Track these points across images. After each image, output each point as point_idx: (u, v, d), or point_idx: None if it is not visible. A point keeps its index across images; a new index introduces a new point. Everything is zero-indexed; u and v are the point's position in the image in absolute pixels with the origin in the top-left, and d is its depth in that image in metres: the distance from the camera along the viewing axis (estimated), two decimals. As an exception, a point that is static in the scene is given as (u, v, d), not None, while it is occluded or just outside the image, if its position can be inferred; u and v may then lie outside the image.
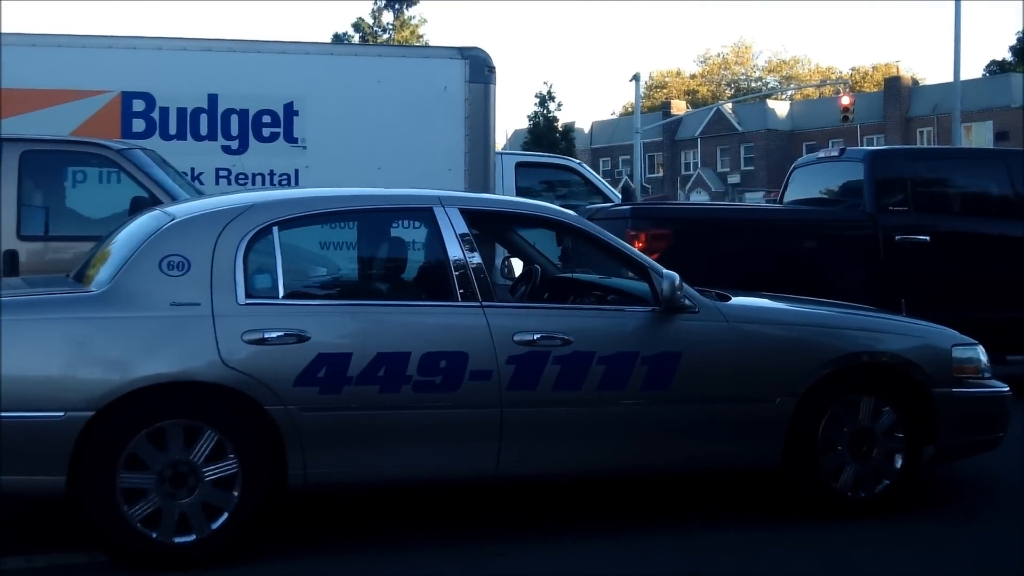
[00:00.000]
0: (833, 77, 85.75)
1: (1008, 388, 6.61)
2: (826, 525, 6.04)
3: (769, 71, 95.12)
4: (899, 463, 6.25)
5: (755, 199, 55.20)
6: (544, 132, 58.96)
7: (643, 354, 5.79)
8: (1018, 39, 71.79)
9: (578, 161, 15.70)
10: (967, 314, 8.85)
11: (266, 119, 11.13)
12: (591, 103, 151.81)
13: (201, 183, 10.38)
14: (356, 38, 62.19)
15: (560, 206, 6.90)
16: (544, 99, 60.67)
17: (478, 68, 11.46)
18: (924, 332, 6.55)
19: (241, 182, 10.93)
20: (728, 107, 75.43)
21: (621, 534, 5.87)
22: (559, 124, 61.66)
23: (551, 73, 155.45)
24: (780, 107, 76.26)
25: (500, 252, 8.07)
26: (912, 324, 6.68)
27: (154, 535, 5.13)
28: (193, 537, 5.18)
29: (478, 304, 5.64)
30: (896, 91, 67.38)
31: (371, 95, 11.29)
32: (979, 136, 59.44)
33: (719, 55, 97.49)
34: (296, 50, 11.74)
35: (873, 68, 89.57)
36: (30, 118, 10.19)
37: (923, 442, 6.32)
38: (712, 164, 76.50)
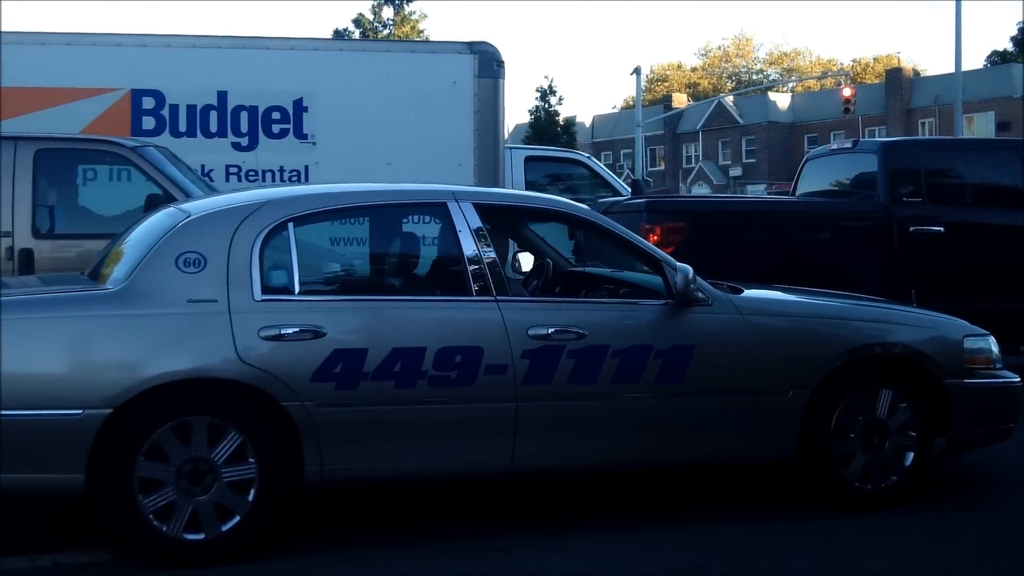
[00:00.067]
0: (834, 69, 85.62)
1: (1019, 379, 6.62)
2: (829, 517, 6.06)
3: (770, 63, 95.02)
4: (912, 455, 6.27)
5: (757, 191, 55.16)
6: (545, 126, 59.05)
7: (657, 347, 5.81)
8: (1019, 29, 71.60)
9: (587, 155, 15.72)
10: (981, 304, 8.88)
11: (276, 115, 11.11)
12: (592, 97, 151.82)
13: (211, 180, 10.39)
14: (356, 34, 62.30)
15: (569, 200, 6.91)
16: (545, 93, 60.77)
17: (487, 62, 11.45)
18: (936, 323, 6.57)
19: (251, 179, 10.94)
20: (729, 100, 75.38)
21: (623, 528, 5.88)
22: (560, 118, 61.74)
23: (552, 67, 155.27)
24: (781, 99, 76.17)
25: (510, 247, 8.06)
26: (924, 315, 6.70)
27: (173, 532, 5.14)
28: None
29: (493, 299, 5.66)
30: (897, 82, 67.30)
31: (380, 90, 11.27)
32: (981, 127, 59.37)
33: (720, 48, 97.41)
34: (305, 46, 11.74)
35: (874, 60, 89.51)
36: (40, 116, 10.20)
37: (935, 433, 6.34)
38: (714, 157, 76.44)
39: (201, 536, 5.19)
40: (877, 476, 6.21)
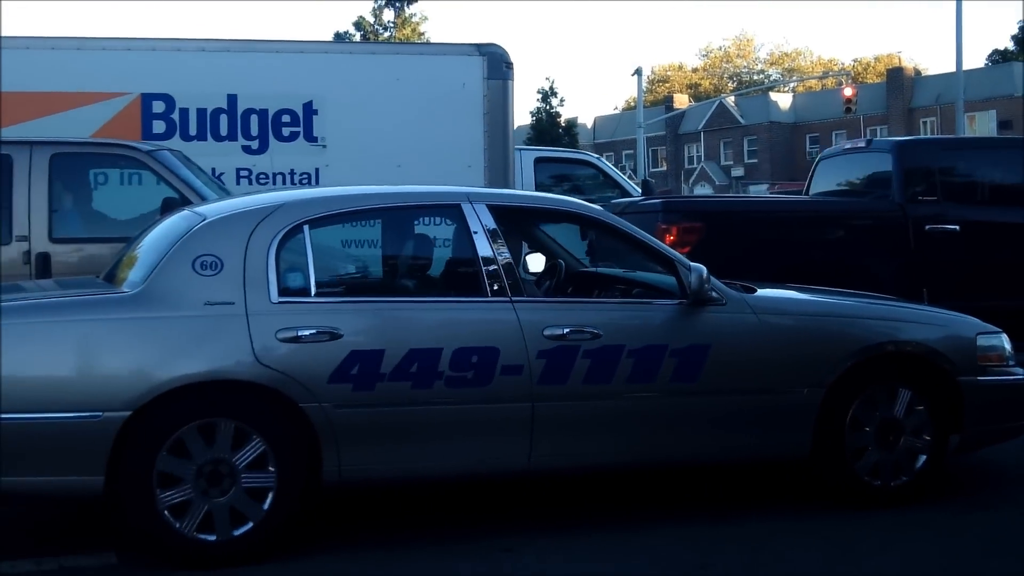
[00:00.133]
0: (835, 69, 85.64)
1: None
2: (833, 515, 6.07)
3: (771, 64, 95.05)
4: (926, 452, 6.28)
5: (759, 192, 55.18)
6: (547, 128, 59.12)
7: (672, 347, 5.83)
8: (1020, 28, 71.71)
9: (597, 156, 15.73)
10: (997, 302, 8.90)
11: (286, 119, 11.14)
12: (593, 98, 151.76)
13: (222, 183, 10.42)
14: (357, 37, 62.40)
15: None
16: (546, 95, 60.87)
17: (496, 64, 11.47)
18: (949, 321, 6.58)
19: (262, 182, 10.97)
20: (731, 100, 75.41)
21: (628, 528, 5.89)
22: (562, 120, 61.79)
23: (553, 69, 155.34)
24: (783, 99, 76.20)
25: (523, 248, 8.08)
26: (937, 313, 6.71)
27: (187, 531, 5.16)
28: (249, 526, 5.24)
29: (508, 299, 5.68)
30: (899, 82, 67.33)
31: (390, 93, 11.29)
32: (982, 126, 59.39)
33: (721, 48, 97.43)
34: (315, 49, 11.78)
35: (875, 59, 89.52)
36: (50, 121, 10.22)
37: (949, 431, 6.35)
38: (715, 157, 76.47)
39: (246, 528, 5.23)
40: (892, 473, 6.22)
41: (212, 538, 5.18)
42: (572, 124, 65.14)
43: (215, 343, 5.25)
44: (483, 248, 5.76)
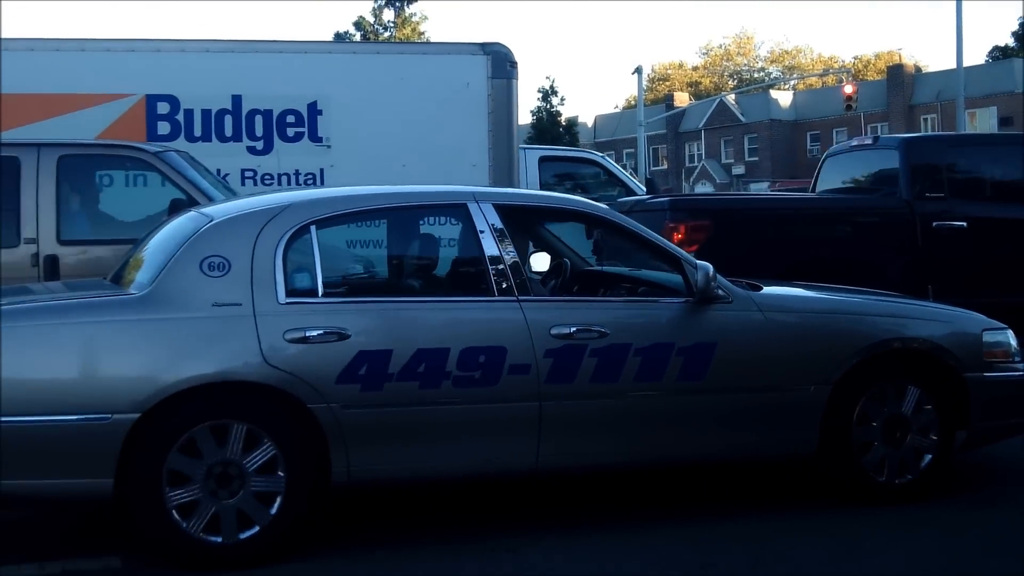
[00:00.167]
0: (836, 66, 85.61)
1: None
2: (836, 513, 6.07)
3: (771, 61, 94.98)
4: (932, 449, 6.29)
5: (760, 189, 55.19)
6: (547, 127, 59.10)
7: (679, 345, 5.83)
8: (1020, 24, 71.74)
9: (601, 154, 15.74)
10: (1005, 298, 8.91)
11: (290, 119, 11.17)
12: (594, 97, 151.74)
13: (228, 184, 10.43)
14: (357, 37, 62.36)
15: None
16: (547, 94, 60.85)
17: (500, 63, 11.48)
18: (954, 317, 6.59)
19: (267, 182, 10.98)
20: (731, 98, 75.35)
21: (631, 528, 5.88)
22: (562, 118, 61.77)
23: (553, 68, 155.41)
24: (783, 97, 76.18)
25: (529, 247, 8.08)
26: (942, 310, 6.72)
27: (208, 537, 5.17)
28: (255, 530, 5.24)
29: (515, 299, 5.69)
30: (899, 79, 67.29)
31: (394, 93, 11.31)
32: (983, 122, 59.39)
33: (721, 46, 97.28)
34: (319, 49, 11.81)
35: (875, 56, 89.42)
36: (55, 123, 10.25)
37: (955, 427, 6.36)
38: (716, 155, 76.44)
39: (251, 532, 5.24)
40: (898, 470, 6.23)
41: (218, 539, 5.18)
42: (572, 123, 65.12)
43: (223, 344, 5.26)
44: (490, 247, 5.76)
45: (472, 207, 5.88)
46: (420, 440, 5.50)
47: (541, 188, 13.29)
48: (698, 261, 6.00)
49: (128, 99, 10.82)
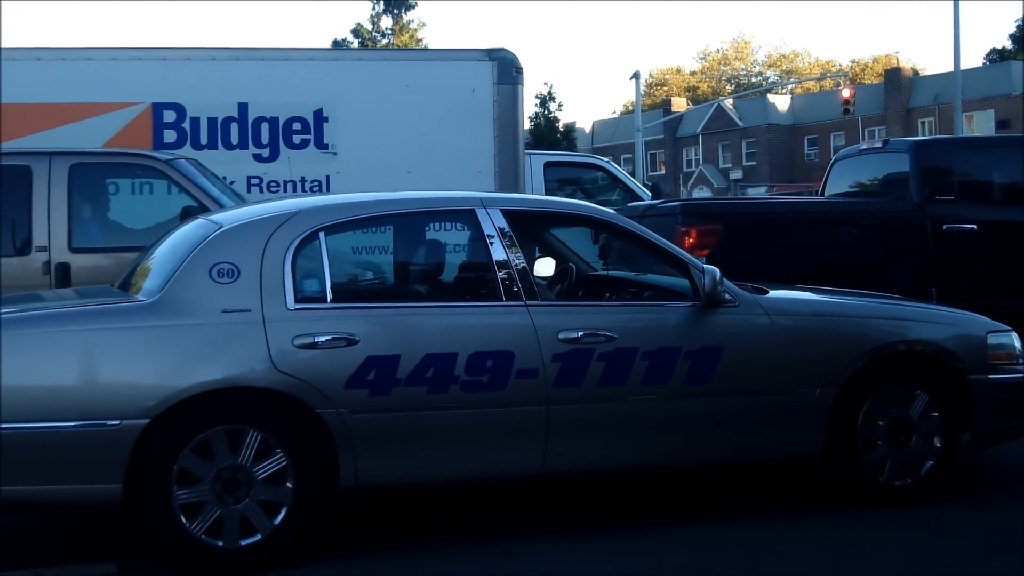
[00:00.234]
0: (833, 70, 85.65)
1: None
2: (835, 515, 6.08)
3: (769, 66, 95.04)
4: (937, 451, 6.31)
5: (758, 194, 55.20)
6: (545, 132, 59.06)
7: (685, 349, 5.86)
8: (1018, 27, 71.72)
9: (607, 159, 15.77)
10: (1016, 301, 8.93)
11: (296, 126, 11.20)
12: (592, 102, 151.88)
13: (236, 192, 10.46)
14: (355, 44, 62.24)
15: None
16: (544, 100, 60.79)
17: (506, 69, 11.52)
18: (959, 320, 6.62)
19: (273, 189, 10.99)
20: (729, 103, 75.41)
21: (627, 530, 5.90)
22: (560, 124, 61.75)
23: (551, 74, 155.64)
24: (781, 101, 76.20)
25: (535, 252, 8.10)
26: (946, 312, 6.76)
27: (209, 539, 5.18)
28: (256, 538, 5.25)
29: (522, 303, 5.71)
30: (896, 82, 67.32)
31: (400, 99, 11.34)
32: (980, 125, 59.37)
33: (718, 51, 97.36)
34: (324, 57, 11.86)
35: (873, 60, 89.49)
36: (61, 132, 10.29)
37: (960, 429, 6.39)
38: (714, 160, 76.49)
39: (257, 537, 5.25)
40: (904, 472, 6.26)
41: (219, 543, 5.19)
42: (570, 129, 65.09)
43: (232, 350, 5.28)
44: (497, 252, 5.79)
45: (480, 212, 5.90)
46: (428, 444, 5.53)
47: (546, 193, 13.31)
48: (705, 265, 6.04)
49: (134, 108, 10.86)
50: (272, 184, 11.04)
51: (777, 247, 9.66)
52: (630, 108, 71.20)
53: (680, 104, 77.58)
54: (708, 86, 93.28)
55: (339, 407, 5.32)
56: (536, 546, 5.66)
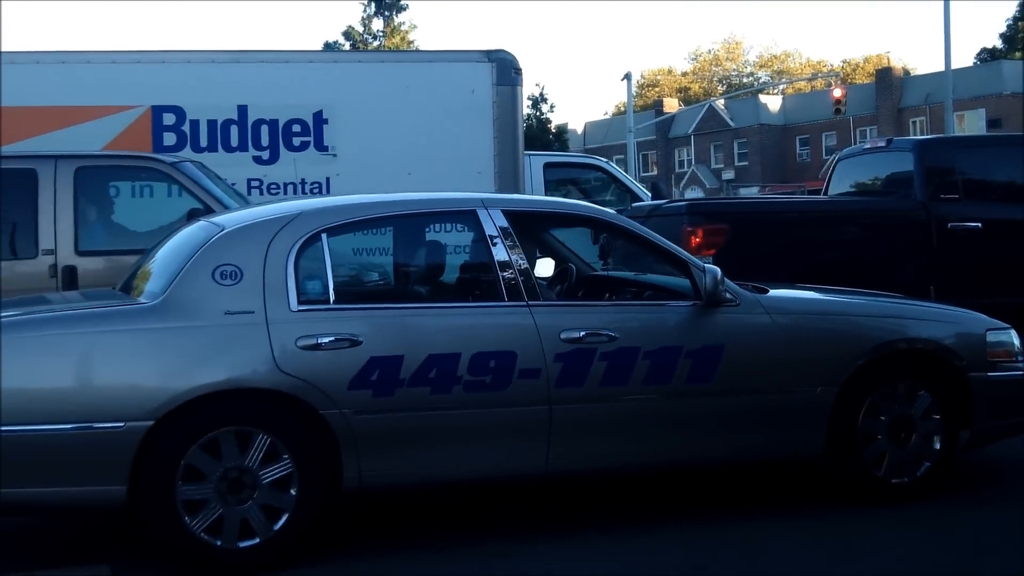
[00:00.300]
0: (824, 70, 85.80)
1: None
2: (827, 515, 6.08)
3: (760, 66, 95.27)
4: (937, 448, 6.33)
5: (750, 194, 55.27)
6: (537, 134, 59.14)
7: (687, 348, 5.87)
8: (1008, 26, 71.99)
9: (606, 160, 15.81)
10: (1021, 299, 8.95)
11: (296, 128, 11.22)
12: (583, 104, 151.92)
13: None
14: (347, 46, 62.17)
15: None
16: (536, 101, 60.94)
17: (505, 70, 11.54)
18: (958, 318, 6.64)
19: (273, 192, 11.01)
20: (720, 103, 75.52)
21: (625, 531, 5.90)
22: (552, 126, 61.83)
23: (542, 75, 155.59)
24: (772, 102, 76.34)
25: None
26: (946, 310, 6.78)
27: (218, 543, 5.20)
28: (255, 542, 5.25)
29: (524, 304, 5.72)
30: (887, 82, 67.47)
31: (400, 101, 11.36)
32: (971, 124, 59.53)
33: (710, 52, 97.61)
34: (324, 59, 11.91)
35: (864, 60, 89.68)
36: (61, 135, 10.29)
37: (960, 426, 6.41)
38: (706, 161, 76.60)
39: (256, 540, 5.26)
40: (903, 470, 6.27)
41: (217, 543, 5.20)
42: (562, 130, 65.21)
43: (236, 352, 5.29)
44: (499, 253, 5.81)
45: (481, 213, 5.91)
46: (431, 445, 5.54)
47: (546, 194, 13.33)
48: (706, 265, 6.06)
49: (134, 110, 10.87)
50: (272, 186, 11.06)
51: (783, 246, 9.70)
52: (622, 109, 71.27)
53: (672, 105, 77.69)
54: (700, 87, 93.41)
55: (343, 408, 5.32)
56: (532, 545, 5.67)
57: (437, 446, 5.55)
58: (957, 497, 6.42)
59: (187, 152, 10.61)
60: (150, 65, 11.07)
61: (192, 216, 7.66)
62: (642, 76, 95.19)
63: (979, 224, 10.18)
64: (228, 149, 11.02)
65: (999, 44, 71.63)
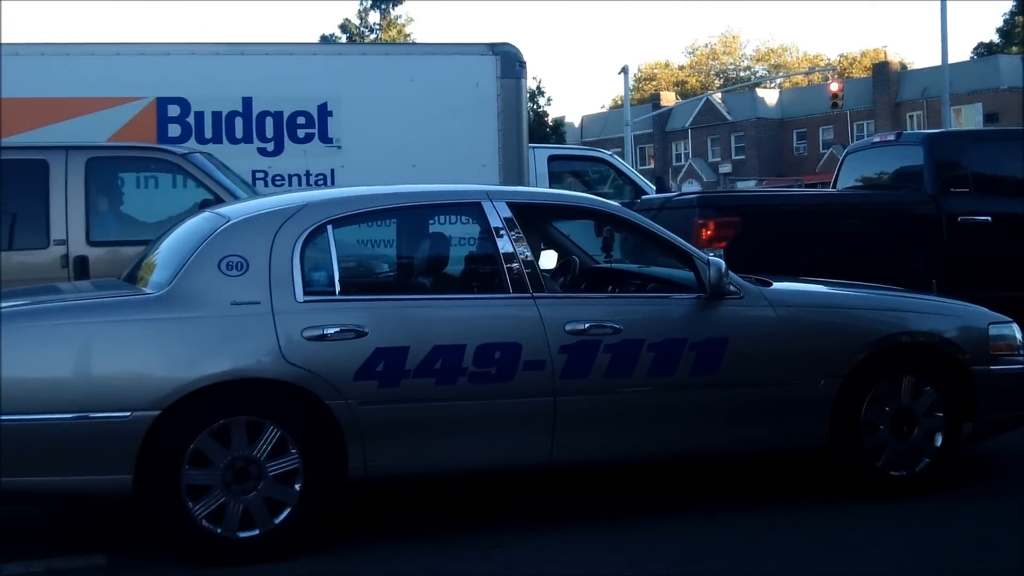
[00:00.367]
0: (821, 64, 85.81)
1: None
2: (826, 507, 6.10)
3: (757, 60, 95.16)
4: (940, 441, 6.35)
5: (747, 187, 55.32)
6: (534, 127, 59.04)
7: (691, 340, 5.89)
8: (1005, 20, 72.04)
9: (610, 153, 15.84)
10: None
11: (300, 120, 11.22)
12: (580, 97, 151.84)
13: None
14: (343, 39, 62.13)
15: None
16: (533, 94, 60.81)
17: (509, 63, 11.55)
18: (961, 311, 6.66)
19: (278, 183, 11.02)
20: (717, 97, 75.49)
21: (621, 523, 5.90)
22: (549, 119, 61.80)
23: (539, 68, 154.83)
24: (769, 95, 76.36)
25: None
26: (948, 304, 6.79)
27: (219, 530, 5.21)
28: (257, 532, 5.28)
29: (529, 295, 5.74)
30: (884, 76, 67.48)
31: (404, 93, 11.37)
32: (968, 119, 59.48)
33: (707, 45, 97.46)
34: (328, 51, 11.93)
35: (861, 54, 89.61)
36: (66, 126, 10.29)
37: (962, 419, 6.43)
38: (703, 154, 76.59)
39: (256, 532, 5.27)
40: (907, 462, 6.29)
41: (218, 530, 5.22)
42: (559, 123, 65.17)
43: (242, 342, 5.30)
44: (504, 245, 5.82)
45: (487, 205, 5.93)
46: (436, 436, 5.55)
47: (551, 186, 13.34)
48: (710, 257, 6.08)
49: (139, 102, 10.87)
50: (277, 178, 11.07)
51: (793, 239, 9.71)
52: (619, 102, 71.23)
53: (669, 98, 77.69)
54: (697, 80, 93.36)
55: (348, 398, 5.34)
56: (529, 538, 5.67)
57: (442, 437, 5.56)
58: (959, 490, 6.42)
59: (191, 144, 10.58)
60: (154, 57, 11.06)
61: (204, 206, 7.69)
62: (639, 69, 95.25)
63: (989, 218, 10.20)
64: (233, 141, 11.00)
65: (996, 39, 71.71)
